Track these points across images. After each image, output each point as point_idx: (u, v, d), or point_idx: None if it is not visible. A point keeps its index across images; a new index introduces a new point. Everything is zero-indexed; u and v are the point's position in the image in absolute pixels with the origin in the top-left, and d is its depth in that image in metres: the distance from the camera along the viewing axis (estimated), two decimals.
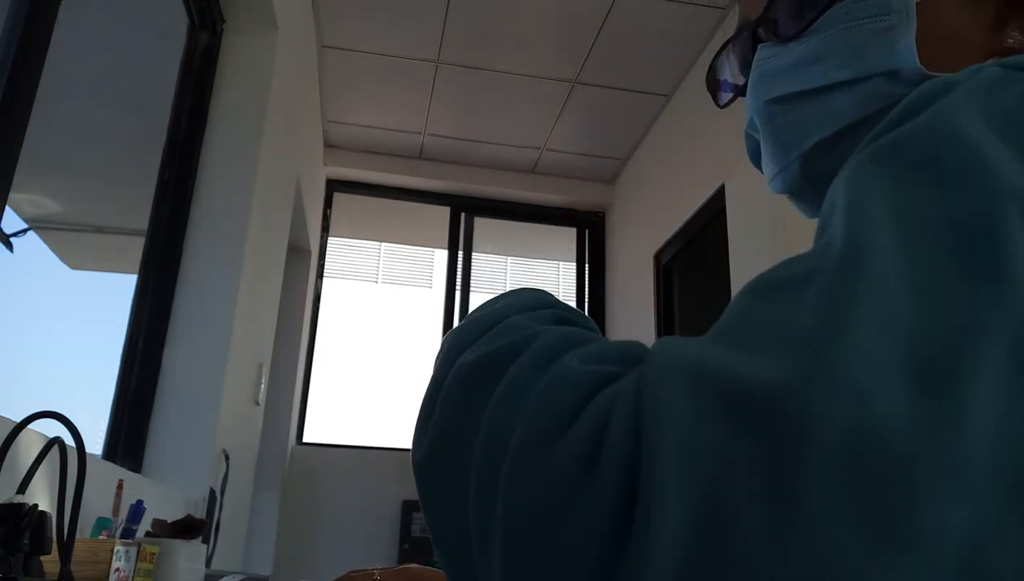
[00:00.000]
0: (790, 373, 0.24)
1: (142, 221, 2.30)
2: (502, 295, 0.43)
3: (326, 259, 4.64)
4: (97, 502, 1.44)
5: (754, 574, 0.21)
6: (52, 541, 1.06)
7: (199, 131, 2.42)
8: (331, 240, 4.70)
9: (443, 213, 4.78)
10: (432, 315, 4.85)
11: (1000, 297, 0.24)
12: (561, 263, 6.14)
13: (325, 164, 4.49)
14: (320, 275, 4.57)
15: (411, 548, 3.86)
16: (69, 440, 1.16)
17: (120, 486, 1.50)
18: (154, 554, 1.18)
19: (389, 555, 3.84)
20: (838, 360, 0.23)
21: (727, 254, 3.10)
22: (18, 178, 1.47)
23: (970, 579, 0.21)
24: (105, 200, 3.53)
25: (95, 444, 2.05)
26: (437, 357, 0.41)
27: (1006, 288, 0.24)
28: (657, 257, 3.94)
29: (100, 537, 1.38)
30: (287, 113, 2.98)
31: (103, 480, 1.51)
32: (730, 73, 0.62)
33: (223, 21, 2.54)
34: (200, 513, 2.07)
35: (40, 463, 1.11)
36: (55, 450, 1.13)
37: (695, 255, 3.65)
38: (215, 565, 2.15)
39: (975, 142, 0.28)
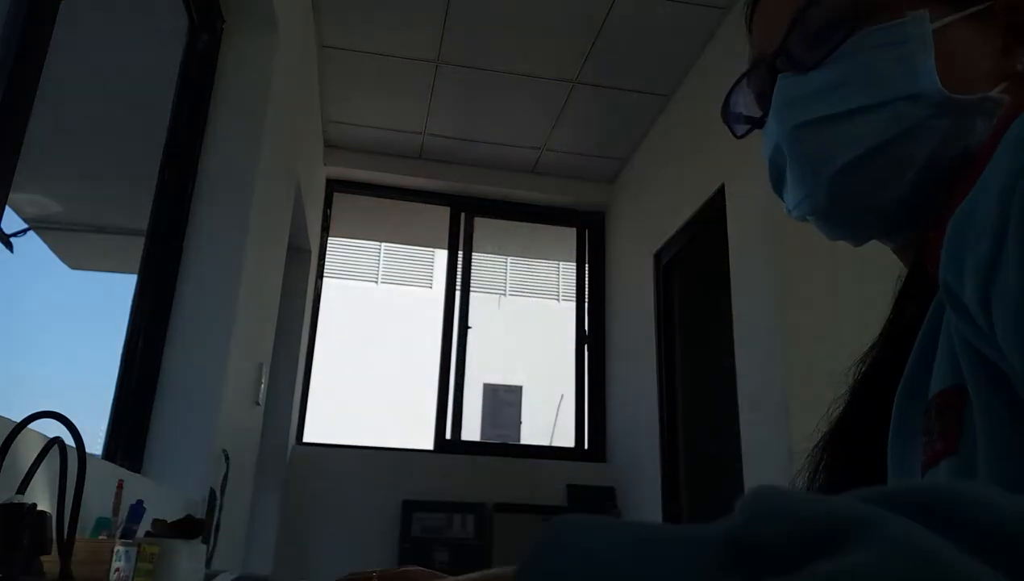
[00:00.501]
0: None
1: (142, 221, 2.29)
2: None
3: (326, 259, 4.64)
4: (97, 502, 1.44)
5: None
6: (52, 541, 1.06)
7: (199, 131, 2.42)
8: (331, 240, 4.70)
9: (443, 213, 4.78)
10: (432, 315, 4.84)
11: None
12: (561, 263, 6.14)
13: (325, 164, 4.49)
14: (320, 275, 4.57)
15: (411, 548, 3.86)
16: (69, 440, 1.16)
17: (120, 486, 1.50)
18: (154, 554, 1.18)
19: (389, 555, 3.84)
20: None
21: (727, 254, 3.10)
22: (18, 178, 1.47)
23: None
24: (105, 200, 3.53)
25: (95, 444, 2.05)
26: None
27: None
28: (657, 257, 3.94)
29: (100, 537, 1.39)
30: (287, 113, 2.98)
31: (103, 480, 1.51)
32: (746, 105, 0.64)
33: (223, 21, 2.54)
34: (200, 513, 2.07)
35: (40, 463, 1.11)
36: (55, 450, 1.13)
37: (695, 255, 3.65)
38: (215, 565, 2.15)
39: None
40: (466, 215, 4.78)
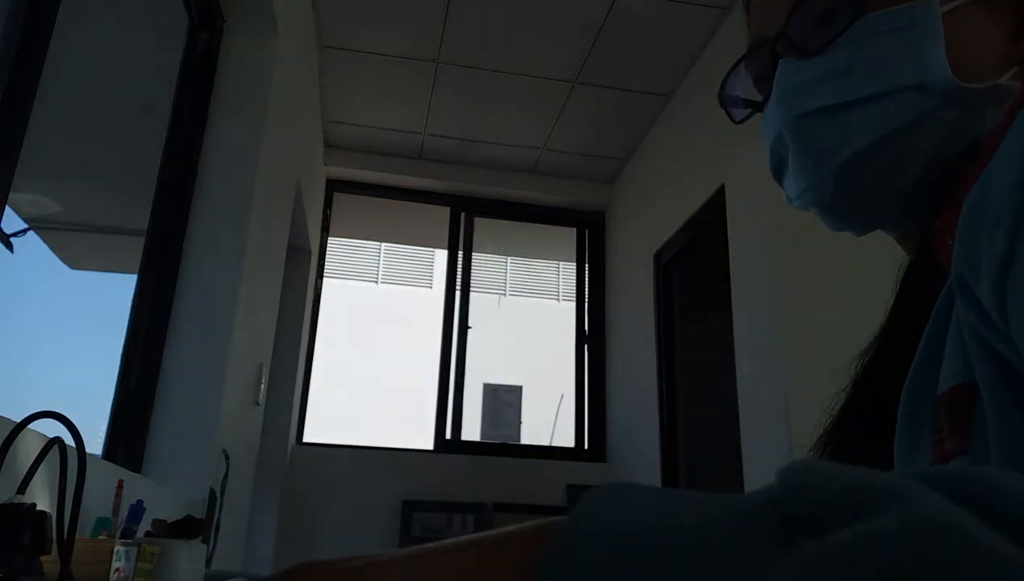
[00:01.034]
0: None
1: (142, 221, 2.29)
2: None
3: (326, 259, 4.64)
4: (97, 502, 1.44)
5: None
6: (52, 541, 1.06)
7: (199, 131, 2.42)
8: (331, 240, 4.70)
9: (443, 213, 4.78)
10: (432, 315, 4.84)
11: None
12: (561, 263, 6.14)
13: (325, 164, 4.49)
14: (320, 275, 4.57)
15: None
16: (69, 440, 1.16)
17: (120, 486, 1.50)
18: (154, 554, 1.18)
19: None
20: None
21: (727, 254, 3.10)
22: (18, 178, 1.47)
23: None
24: (105, 200, 3.53)
25: (95, 444, 2.05)
26: None
27: None
28: (657, 257, 3.94)
29: (100, 537, 1.39)
30: (287, 113, 2.98)
31: (103, 480, 1.51)
32: (744, 89, 0.62)
33: (223, 21, 2.54)
34: (200, 513, 2.07)
35: (40, 463, 1.11)
36: (55, 450, 1.13)
37: (695, 255, 3.65)
38: (215, 565, 2.14)
39: None
40: (466, 215, 4.78)
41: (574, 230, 4.97)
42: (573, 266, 4.99)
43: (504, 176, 4.68)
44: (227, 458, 2.31)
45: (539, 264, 6.81)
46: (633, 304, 4.20)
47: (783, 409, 2.53)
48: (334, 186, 4.64)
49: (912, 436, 0.44)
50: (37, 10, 1.53)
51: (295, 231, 3.71)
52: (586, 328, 4.75)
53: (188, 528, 1.38)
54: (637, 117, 4.08)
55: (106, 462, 1.81)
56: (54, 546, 1.06)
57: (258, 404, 2.94)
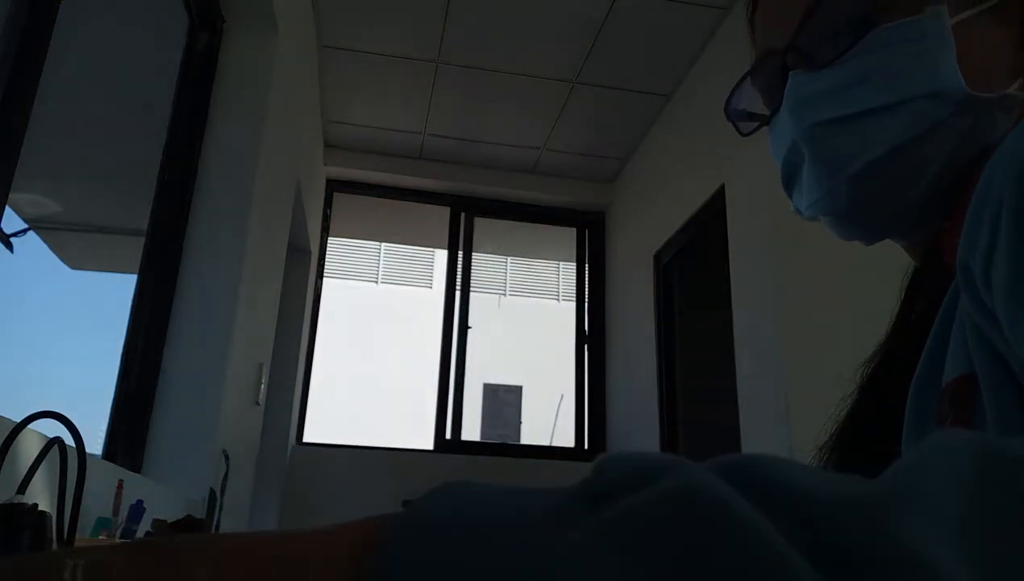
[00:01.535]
0: None
1: (142, 221, 2.29)
2: None
3: (326, 259, 4.64)
4: (97, 502, 1.44)
5: None
6: (52, 541, 1.06)
7: (199, 131, 2.42)
8: (331, 240, 4.70)
9: (443, 213, 4.78)
10: (432, 315, 4.84)
11: None
12: (561, 263, 6.15)
13: (325, 164, 4.49)
14: (320, 275, 4.57)
15: None
16: (69, 440, 1.16)
17: (120, 486, 1.50)
18: None
19: None
20: None
21: (727, 254, 3.10)
22: (18, 178, 1.47)
23: None
24: (105, 200, 3.53)
25: (95, 444, 2.05)
26: None
27: None
28: (657, 257, 3.94)
29: (100, 537, 1.39)
30: (287, 113, 2.98)
31: (103, 480, 1.51)
32: (751, 102, 0.63)
33: (223, 21, 2.54)
34: (200, 513, 2.07)
35: (40, 463, 1.11)
36: (55, 450, 1.13)
37: (695, 255, 3.65)
38: None
39: None
40: (466, 215, 4.78)
41: (574, 230, 4.97)
42: (573, 266, 4.99)
43: (504, 176, 4.68)
44: (227, 458, 2.31)
45: (539, 264, 6.82)
46: (633, 304, 4.20)
47: (783, 409, 2.53)
48: (334, 186, 4.64)
49: (919, 431, 0.44)
50: (37, 10, 1.53)
51: (295, 231, 3.71)
52: (586, 328, 4.75)
53: (188, 528, 1.38)
54: (637, 117, 4.08)
55: (106, 462, 1.81)
56: (54, 546, 1.06)
57: (258, 404, 2.94)
